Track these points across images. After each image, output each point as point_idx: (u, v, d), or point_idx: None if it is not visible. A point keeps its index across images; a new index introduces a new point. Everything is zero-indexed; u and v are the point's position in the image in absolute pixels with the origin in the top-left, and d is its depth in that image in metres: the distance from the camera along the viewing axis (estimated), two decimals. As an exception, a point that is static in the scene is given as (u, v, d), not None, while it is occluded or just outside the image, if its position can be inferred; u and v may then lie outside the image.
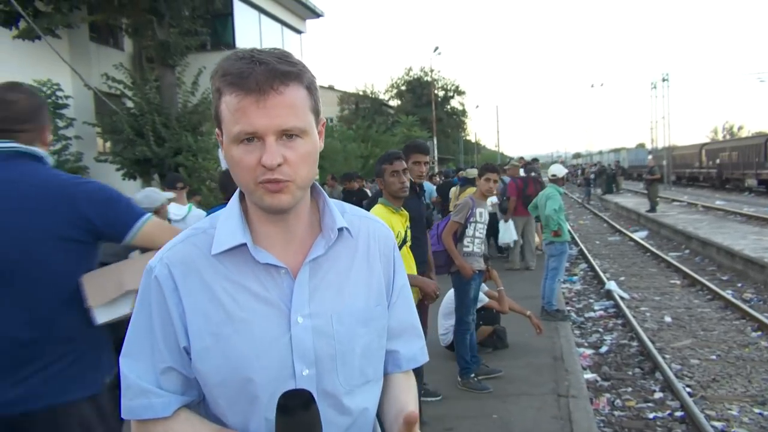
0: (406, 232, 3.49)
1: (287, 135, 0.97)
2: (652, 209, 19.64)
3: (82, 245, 1.77)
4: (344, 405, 1.08)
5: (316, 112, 1.03)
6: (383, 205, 3.58)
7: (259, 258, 1.03)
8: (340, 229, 1.10)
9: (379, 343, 1.14)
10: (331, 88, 39.77)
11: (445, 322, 5.50)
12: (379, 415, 1.19)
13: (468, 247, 4.76)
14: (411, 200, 4.21)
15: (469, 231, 4.77)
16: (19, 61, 12.20)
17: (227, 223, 1.06)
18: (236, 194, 1.10)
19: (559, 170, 7.41)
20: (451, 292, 5.11)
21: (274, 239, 1.07)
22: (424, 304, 4.06)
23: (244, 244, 1.03)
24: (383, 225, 1.21)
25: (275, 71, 0.95)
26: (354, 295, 1.10)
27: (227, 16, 16.83)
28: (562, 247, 7.08)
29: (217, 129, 1.04)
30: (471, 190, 6.15)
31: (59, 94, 12.45)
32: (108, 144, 14.24)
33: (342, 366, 1.07)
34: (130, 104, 13.38)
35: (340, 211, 1.13)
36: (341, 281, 1.10)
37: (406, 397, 1.19)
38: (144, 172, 13.25)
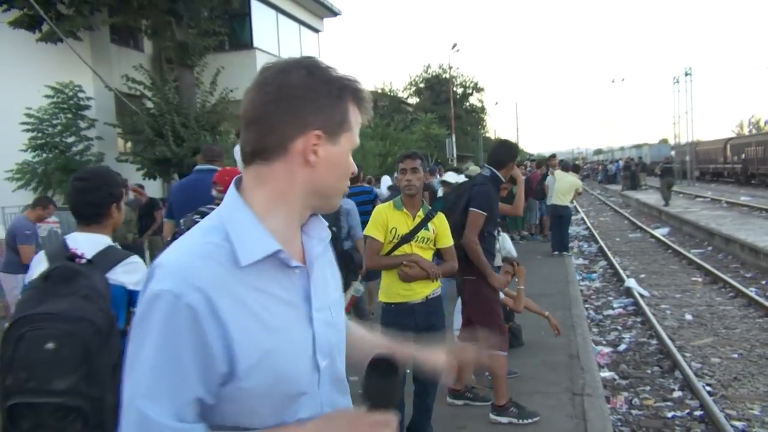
0: (413, 231, 3.51)
1: None
2: (666, 203, 20.04)
3: None
4: (346, 387, 1.17)
5: None
6: (390, 202, 3.65)
7: (290, 262, 1.04)
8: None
9: None
10: (349, 86, 39.78)
11: (461, 318, 5.47)
12: (351, 357, 1.27)
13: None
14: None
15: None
16: (42, 63, 12.45)
17: (252, 232, 1.03)
18: (238, 201, 1.07)
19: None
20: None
21: (280, 241, 1.07)
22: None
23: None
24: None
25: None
26: (333, 285, 1.20)
27: (245, 16, 16.95)
28: None
29: (317, 119, 1.04)
30: None
31: (81, 95, 12.65)
32: (128, 144, 14.45)
33: (341, 351, 1.17)
34: (149, 105, 13.57)
35: None
36: (324, 274, 1.17)
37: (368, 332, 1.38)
38: (164, 171, 13.42)
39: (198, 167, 4.57)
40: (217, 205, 2.49)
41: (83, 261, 2.07)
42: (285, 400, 1.03)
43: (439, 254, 3.72)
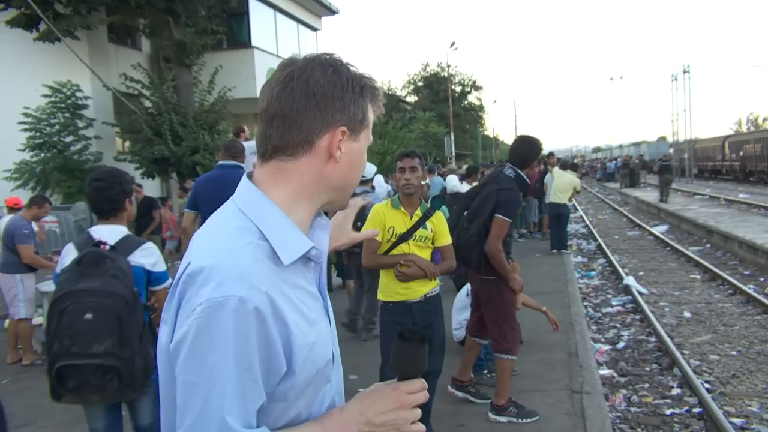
0: (411, 230, 3.51)
1: None
2: (662, 200, 20.62)
3: None
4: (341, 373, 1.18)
5: None
6: (387, 201, 3.64)
7: (318, 259, 1.07)
8: None
9: None
10: (347, 85, 39.79)
11: (458, 317, 5.47)
12: None
13: None
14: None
15: None
16: (40, 63, 12.43)
17: (287, 231, 1.03)
18: (264, 199, 1.04)
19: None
20: (467, 286, 5.09)
21: None
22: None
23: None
24: None
25: None
26: None
27: (243, 14, 16.91)
28: None
29: (343, 116, 1.05)
30: None
31: (79, 95, 12.64)
32: (127, 143, 14.44)
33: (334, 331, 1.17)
34: (148, 104, 13.55)
35: None
36: None
37: None
38: (162, 170, 13.42)
39: (221, 163, 4.68)
40: None
41: (107, 247, 2.49)
42: (317, 389, 1.05)
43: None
